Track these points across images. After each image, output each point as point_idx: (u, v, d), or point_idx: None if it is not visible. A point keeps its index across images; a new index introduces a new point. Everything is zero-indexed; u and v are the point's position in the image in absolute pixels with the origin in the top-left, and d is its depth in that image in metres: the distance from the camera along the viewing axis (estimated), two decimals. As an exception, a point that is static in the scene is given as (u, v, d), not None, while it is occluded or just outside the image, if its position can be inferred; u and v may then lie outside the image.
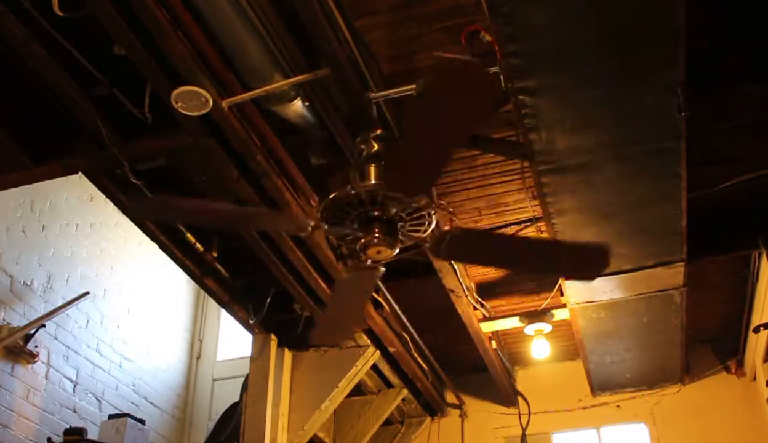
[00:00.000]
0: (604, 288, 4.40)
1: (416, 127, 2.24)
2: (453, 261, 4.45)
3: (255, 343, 4.85)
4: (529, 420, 5.92)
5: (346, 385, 4.89)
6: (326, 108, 3.10)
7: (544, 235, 4.53)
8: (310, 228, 2.72)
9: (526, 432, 5.90)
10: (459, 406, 6.47)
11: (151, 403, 6.26)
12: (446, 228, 2.84)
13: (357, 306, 3.25)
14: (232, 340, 7.04)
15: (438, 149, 2.27)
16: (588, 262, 2.86)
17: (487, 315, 5.25)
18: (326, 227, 2.74)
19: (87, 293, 5.49)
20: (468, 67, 1.92)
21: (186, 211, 2.96)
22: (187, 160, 3.38)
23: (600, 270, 2.85)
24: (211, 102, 2.82)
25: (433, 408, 6.35)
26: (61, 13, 2.58)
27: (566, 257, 2.91)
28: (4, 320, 4.82)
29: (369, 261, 2.79)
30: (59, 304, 5.28)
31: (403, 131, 2.74)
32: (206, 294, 5.76)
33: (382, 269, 2.90)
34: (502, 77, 2.97)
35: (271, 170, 3.32)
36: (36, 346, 4.97)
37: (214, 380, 6.97)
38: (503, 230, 4.72)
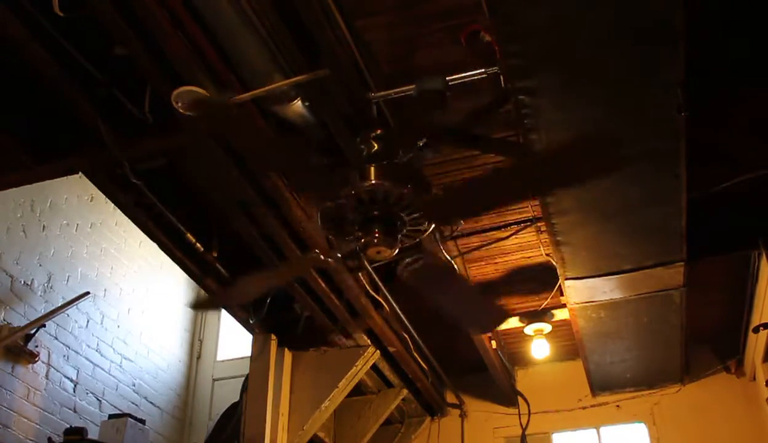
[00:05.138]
0: (604, 288, 4.40)
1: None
2: (453, 261, 4.46)
3: (255, 343, 4.84)
4: (529, 420, 5.92)
5: (346, 385, 4.89)
6: (326, 108, 3.10)
7: (544, 236, 4.53)
8: (330, 262, 2.77)
9: (526, 432, 5.90)
10: (459, 406, 6.47)
11: (152, 403, 6.27)
12: (433, 191, 2.79)
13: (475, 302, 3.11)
14: (232, 340, 7.04)
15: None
16: (597, 157, 2.51)
17: (487, 315, 5.25)
18: (326, 231, 2.75)
19: (87, 293, 5.49)
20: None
21: (257, 287, 3.50)
22: (187, 160, 3.38)
23: (617, 160, 2.53)
24: (211, 102, 2.82)
25: (433, 408, 6.35)
26: (61, 13, 2.58)
27: (570, 162, 2.56)
28: (4, 320, 4.82)
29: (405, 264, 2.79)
30: (59, 304, 5.28)
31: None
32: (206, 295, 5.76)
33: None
34: (502, 77, 2.98)
35: (271, 170, 3.32)
36: (36, 346, 4.97)
37: (214, 380, 6.96)
38: (503, 230, 4.73)
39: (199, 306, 3.17)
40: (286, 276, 3.53)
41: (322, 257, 2.91)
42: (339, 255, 2.75)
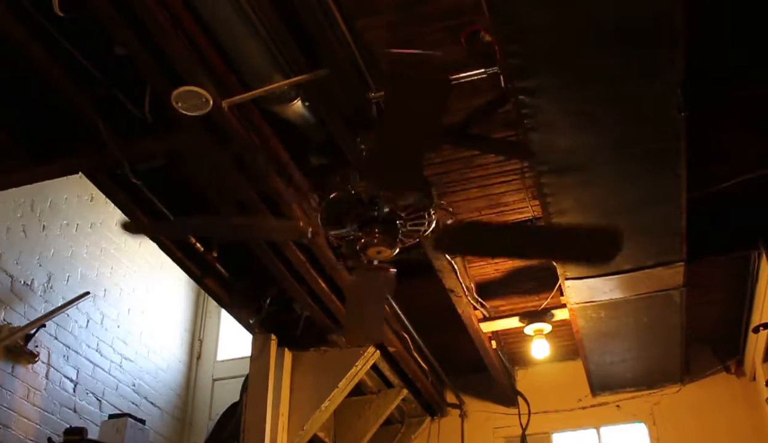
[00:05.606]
0: (604, 288, 4.40)
1: (388, 130, 2.29)
2: (453, 261, 4.46)
3: (255, 343, 4.84)
4: (529, 420, 5.92)
5: (346, 385, 4.89)
6: (326, 108, 3.10)
7: (544, 235, 4.53)
8: (309, 235, 2.75)
9: (526, 432, 5.91)
10: (459, 406, 6.47)
11: (152, 403, 6.26)
12: (448, 221, 2.82)
13: (376, 309, 3.19)
14: (232, 340, 7.04)
15: (412, 148, 2.27)
16: (600, 247, 2.74)
17: (487, 315, 5.25)
18: (326, 231, 2.75)
19: (87, 293, 5.49)
20: (421, 63, 1.95)
21: (197, 227, 3.33)
22: (187, 160, 3.38)
23: (614, 253, 2.69)
24: (211, 102, 2.82)
25: (433, 408, 6.35)
26: (61, 13, 2.58)
27: (575, 243, 2.81)
28: (4, 320, 4.82)
29: (376, 262, 2.79)
30: (59, 304, 5.28)
31: (378, 134, 2.77)
32: (206, 295, 5.77)
33: (393, 270, 2.88)
34: (502, 77, 2.98)
35: (271, 170, 3.32)
36: (36, 346, 4.97)
37: (214, 380, 6.97)
38: (503, 229, 4.73)
39: (128, 228, 3.17)
40: (237, 232, 3.43)
41: (296, 225, 2.92)
42: (315, 230, 2.74)
